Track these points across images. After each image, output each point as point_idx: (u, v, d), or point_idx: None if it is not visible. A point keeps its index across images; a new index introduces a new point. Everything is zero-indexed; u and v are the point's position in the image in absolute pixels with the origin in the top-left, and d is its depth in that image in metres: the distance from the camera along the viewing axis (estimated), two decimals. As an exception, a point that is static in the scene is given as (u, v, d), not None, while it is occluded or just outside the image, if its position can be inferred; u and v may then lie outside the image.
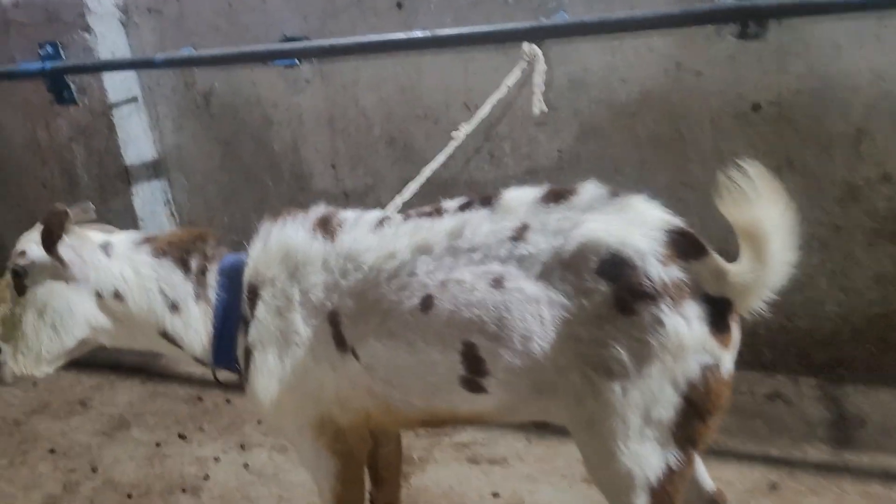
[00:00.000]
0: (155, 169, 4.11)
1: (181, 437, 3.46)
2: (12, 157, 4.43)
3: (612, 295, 1.60)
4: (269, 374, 1.90)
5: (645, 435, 1.63)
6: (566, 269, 1.64)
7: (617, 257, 1.60)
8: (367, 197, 3.70)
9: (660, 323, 1.57)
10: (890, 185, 2.93)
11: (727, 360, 1.65)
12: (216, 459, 3.28)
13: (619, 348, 1.59)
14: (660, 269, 1.58)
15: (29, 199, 4.46)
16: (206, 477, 3.17)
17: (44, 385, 4.01)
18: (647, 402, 1.61)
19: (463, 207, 1.80)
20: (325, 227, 1.91)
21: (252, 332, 1.93)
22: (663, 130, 3.06)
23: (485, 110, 2.84)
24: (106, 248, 2.05)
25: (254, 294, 1.94)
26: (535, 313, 1.65)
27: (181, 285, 2.02)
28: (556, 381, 1.69)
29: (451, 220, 1.78)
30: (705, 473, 2.05)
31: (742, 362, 1.75)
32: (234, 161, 4.01)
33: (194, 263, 2.03)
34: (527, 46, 2.84)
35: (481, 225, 1.74)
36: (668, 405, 1.61)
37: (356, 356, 1.83)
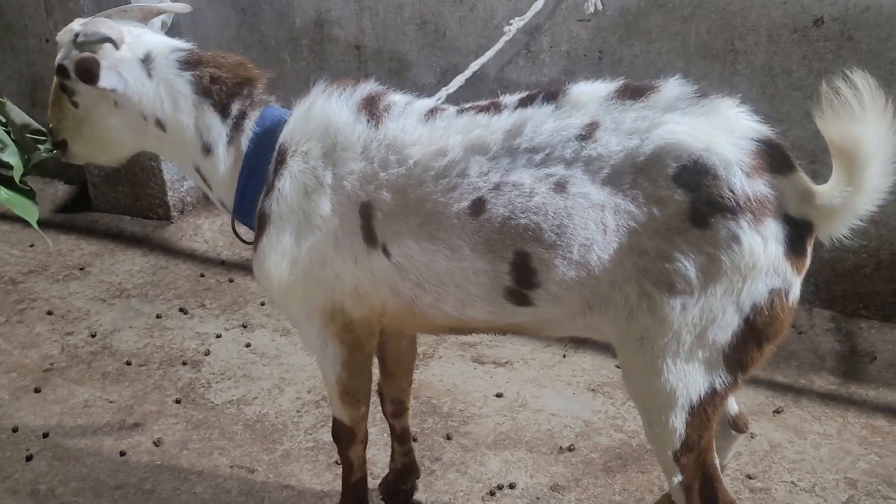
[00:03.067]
0: (166, 31, 3.86)
1: (182, 311, 3.42)
2: (13, 4, 4.17)
3: (689, 205, 1.50)
4: (282, 253, 1.81)
5: (695, 354, 1.58)
6: (639, 173, 1.53)
7: (699, 164, 1.50)
8: (389, 83, 3.52)
9: (736, 240, 1.49)
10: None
11: (797, 286, 1.58)
12: (217, 336, 3.25)
13: (686, 263, 1.51)
14: (744, 182, 1.49)
15: (30, 50, 4.24)
16: (207, 352, 3.14)
17: (41, 247, 3.92)
18: (705, 321, 1.54)
19: (524, 102, 1.66)
20: (372, 109, 1.77)
21: (272, 202, 1.82)
22: (715, 40, 2.91)
23: (539, 4, 2.65)
24: (147, 63, 1.90)
25: (282, 159, 1.82)
26: (599, 221, 1.55)
27: (217, 129, 1.90)
28: (609, 296, 1.61)
29: (511, 117, 1.64)
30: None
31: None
32: (252, 32, 3.80)
33: (235, 108, 1.90)
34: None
35: (545, 122, 1.61)
36: (726, 327, 1.55)
37: (387, 253, 1.73)
